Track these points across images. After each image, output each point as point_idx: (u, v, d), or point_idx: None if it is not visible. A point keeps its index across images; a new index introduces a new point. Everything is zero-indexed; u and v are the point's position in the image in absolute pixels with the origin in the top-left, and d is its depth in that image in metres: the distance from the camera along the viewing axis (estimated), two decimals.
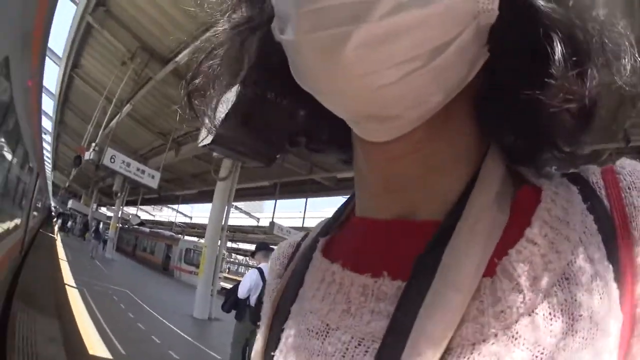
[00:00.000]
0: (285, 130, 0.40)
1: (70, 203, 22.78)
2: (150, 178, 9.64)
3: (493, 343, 0.24)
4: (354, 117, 0.28)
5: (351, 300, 0.30)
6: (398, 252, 0.30)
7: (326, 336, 0.30)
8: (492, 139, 0.32)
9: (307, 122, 0.39)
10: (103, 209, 30.25)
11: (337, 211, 0.40)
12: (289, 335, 0.33)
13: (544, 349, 0.24)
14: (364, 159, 0.34)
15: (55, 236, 18.53)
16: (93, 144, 8.84)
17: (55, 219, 28.67)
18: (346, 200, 0.40)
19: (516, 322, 0.24)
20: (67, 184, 27.63)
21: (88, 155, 8.50)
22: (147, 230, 23.27)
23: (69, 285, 7.41)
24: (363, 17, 0.22)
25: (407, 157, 0.31)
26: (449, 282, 0.25)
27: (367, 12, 0.22)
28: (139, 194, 18.13)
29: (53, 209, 34.81)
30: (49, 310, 5.45)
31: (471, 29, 0.25)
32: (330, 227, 0.38)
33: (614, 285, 0.26)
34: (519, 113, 0.29)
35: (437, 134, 0.30)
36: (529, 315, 0.25)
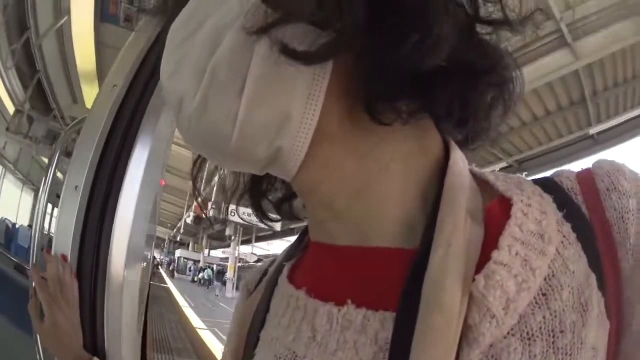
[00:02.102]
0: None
1: (178, 252, 24.85)
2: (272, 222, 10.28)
3: None
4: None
5: (316, 328, 0.29)
6: (360, 280, 0.29)
7: None
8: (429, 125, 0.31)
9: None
10: (214, 252, 32.25)
11: (300, 234, 0.39)
12: None
13: None
14: (296, 190, 0.34)
15: (166, 284, 20.15)
16: (210, 203, 9.69)
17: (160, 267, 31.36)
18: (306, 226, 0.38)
19: (491, 346, 0.24)
20: (171, 235, 30.34)
21: (208, 213, 9.26)
22: None
23: (199, 328, 8.10)
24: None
25: (323, 185, 0.29)
26: (435, 312, 0.23)
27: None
28: (251, 233, 19.29)
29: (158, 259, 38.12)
30: (188, 352, 6.03)
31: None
32: (294, 251, 0.38)
33: (598, 293, 0.25)
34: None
35: (346, 151, 0.28)
36: (505, 338, 0.24)
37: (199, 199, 0.47)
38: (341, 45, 0.25)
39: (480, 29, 0.28)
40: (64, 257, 0.74)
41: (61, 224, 0.74)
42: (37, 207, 0.81)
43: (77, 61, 3.10)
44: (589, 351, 0.24)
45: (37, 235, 0.81)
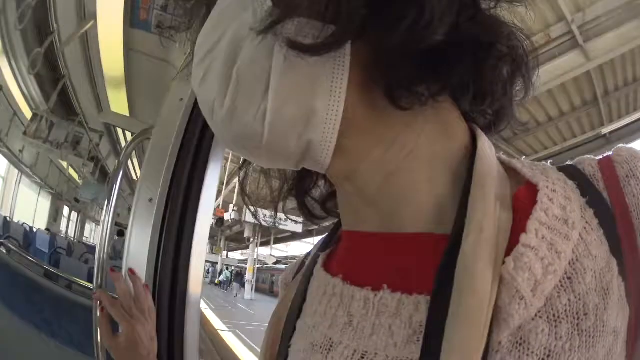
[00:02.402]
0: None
1: None
2: (294, 224, 10.39)
3: (497, 351, 0.24)
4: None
5: (353, 313, 0.30)
6: (394, 265, 0.30)
7: (329, 350, 0.30)
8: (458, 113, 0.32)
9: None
10: (232, 254, 32.32)
11: (334, 226, 0.40)
12: (295, 351, 0.34)
13: (550, 352, 0.24)
14: (332, 181, 0.35)
15: None
16: (231, 205, 9.79)
17: None
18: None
19: (519, 328, 0.24)
20: None
21: (229, 215, 9.39)
22: (283, 267, 24.63)
23: (220, 330, 8.17)
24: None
25: (354, 174, 0.30)
26: (468, 296, 0.24)
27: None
28: (270, 235, 19.38)
29: None
30: (212, 354, 6.07)
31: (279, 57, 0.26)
32: (329, 241, 0.39)
33: (619, 279, 0.26)
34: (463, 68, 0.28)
35: (373, 139, 0.29)
36: (533, 320, 0.24)
37: (249, 205, 0.41)
38: (343, 35, 0.26)
39: (485, 4, 0.29)
40: (132, 272, 0.74)
41: (134, 238, 0.73)
42: (102, 231, 0.78)
43: (104, 67, 3.12)
44: (610, 334, 0.25)
45: (103, 257, 0.79)
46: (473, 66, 0.28)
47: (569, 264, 0.25)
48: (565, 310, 0.24)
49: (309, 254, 0.42)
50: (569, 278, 0.25)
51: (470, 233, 0.25)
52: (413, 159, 0.29)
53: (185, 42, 0.39)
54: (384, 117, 0.29)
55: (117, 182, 0.83)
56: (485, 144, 0.30)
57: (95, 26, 2.72)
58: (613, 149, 0.29)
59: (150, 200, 0.72)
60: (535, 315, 0.24)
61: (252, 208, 0.42)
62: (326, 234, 0.40)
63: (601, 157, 0.30)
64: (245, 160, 0.40)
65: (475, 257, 0.24)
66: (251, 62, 0.27)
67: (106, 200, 0.79)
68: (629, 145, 0.29)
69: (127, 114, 2.94)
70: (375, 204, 0.31)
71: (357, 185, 0.31)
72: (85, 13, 2.61)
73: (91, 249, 2.64)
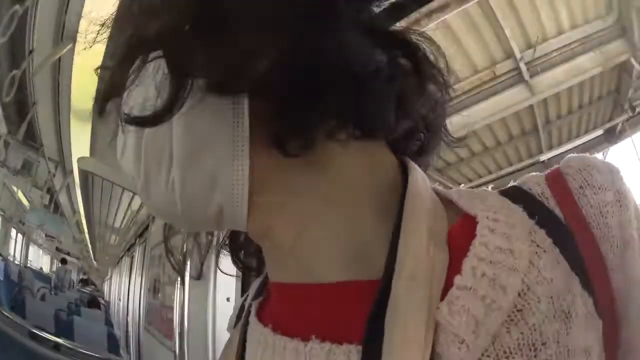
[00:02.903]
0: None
1: None
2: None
3: None
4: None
5: None
6: (320, 315, 0.29)
7: None
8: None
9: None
10: None
11: (266, 273, 0.38)
12: None
13: None
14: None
15: None
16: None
17: None
18: None
19: None
20: None
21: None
22: None
23: None
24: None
25: (270, 231, 0.29)
26: (399, 348, 0.23)
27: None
28: None
29: None
30: None
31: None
32: (262, 289, 0.38)
33: (584, 295, 0.24)
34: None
35: (283, 193, 0.28)
36: None
37: (172, 261, 0.42)
38: (174, 98, 0.25)
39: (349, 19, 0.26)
40: None
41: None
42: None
43: (72, 97, 3.04)
44: (580, 355, 0.24)
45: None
46: (358, 93, 0.26)
47: (519, 295, 0.24)
48: (518, 345, 0.23)
49: (247, 297, 0.40)
50: (519, 310, 0.23)
51: (401, 280, 0.24)
52: (332, 204, 0.28)
53: None
54: (293, 167, 0.28)
55: None
56: (417, 176, 0.29)
57: (72, 50, 2.65)
58: (561, 161, 0.28)
59: (228, 299, 0.79)
60: (482, 355, 0.23)
61: (176, 266, 0.41)
62: (259, 278, 0.39)
63: (547, 172, 0.28)
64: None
65: (406, 306, 0.23)
66: (154, 132, 0.27)
67: None
68: (578, 155, 0.28)
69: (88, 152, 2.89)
70: (292, 257, 0.30)
71: (274, 242, 0.30)
72: (63, 36, 2.53)
73: (38, 275, 2.64)
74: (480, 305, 0.23)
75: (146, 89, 0.26)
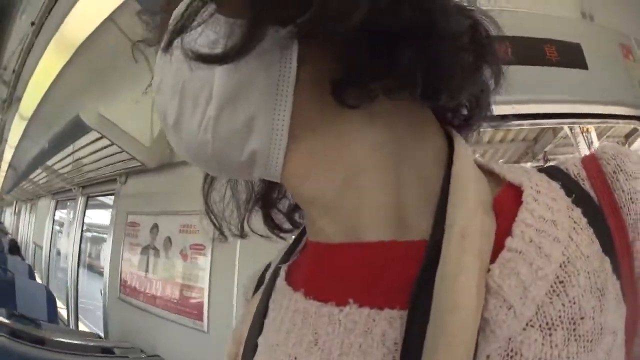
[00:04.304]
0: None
1: None
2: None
3: None
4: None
5: (318, 332, 0.28)
6: (359, 277, 0.28)
7: None
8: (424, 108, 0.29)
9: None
10: None
11: (297, 236, 0.38)
12: None
13: None
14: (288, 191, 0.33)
15: None
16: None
17: None
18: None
19: (509, 339, 0.23)
20: None
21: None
22: None
23: None
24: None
25: (310, 180, 0.28)
26: (451, 311, 0.22)
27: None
28: None
29: None
30: None
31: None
32: (291, 252, 0.36)
33: (613, 278, 0.25)
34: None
35: (329, 141, 0.27)
36: (524, 330, 0.23)
37: (213, 219, 0.40)
38: (248, 41, 0.24)
39: None
40: None
41: None
42: None
43: None
44: (609, 335, 0.24)
45: None
46: (427, 57, 0.25)
47: (560, 266, 0.24)
48: (560, 316, 0.23)
49: (269, 265, 0.39)
50: (560, 282, 0.23)
51: (452, 241, 0.24)
52: (375, 159, 0.27)
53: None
54: (340, 118, 0.27)
55: None
56: (462, 145, 0.29)
57: None
58: (596, 148, 0.29)
59: None
60: (527, 325, 0.23)
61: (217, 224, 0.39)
62: (287, 244, 0.38)
63: (584, 156, 0.29)
64: (207, 175, 0.39)
65: (458, 267, 0.23)
66: (195, 71, 0.26)
67: None
68: (612, 143, 0.33)
69: None
70: (332, 212, 0.29)
71: (313, 194, 0.29)
72: None
73: None
74: (529, 270, 0.23)
75: (216, 28, 0.25)
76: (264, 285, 0.36)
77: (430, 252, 0.24)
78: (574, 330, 0.23)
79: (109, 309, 2.31)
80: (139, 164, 2.07)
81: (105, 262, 2.43)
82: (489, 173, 0.29)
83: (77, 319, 2.83)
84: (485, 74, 0.30)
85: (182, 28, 0.25)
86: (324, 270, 0.30)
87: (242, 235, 0.39)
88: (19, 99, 2.93)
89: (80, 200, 2.87)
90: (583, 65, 1.52)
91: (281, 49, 0.25)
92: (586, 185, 0.27)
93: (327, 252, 0.30)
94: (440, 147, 0.29)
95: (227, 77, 0.25)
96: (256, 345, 0.32)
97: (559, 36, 1.54)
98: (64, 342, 1.92)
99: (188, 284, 1.91)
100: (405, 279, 0.25)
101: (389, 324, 0.25)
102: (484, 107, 0.32)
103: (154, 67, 0.30)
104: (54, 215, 3.36)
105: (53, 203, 3.37)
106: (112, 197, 2.59)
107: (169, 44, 0.26)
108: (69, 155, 2.44)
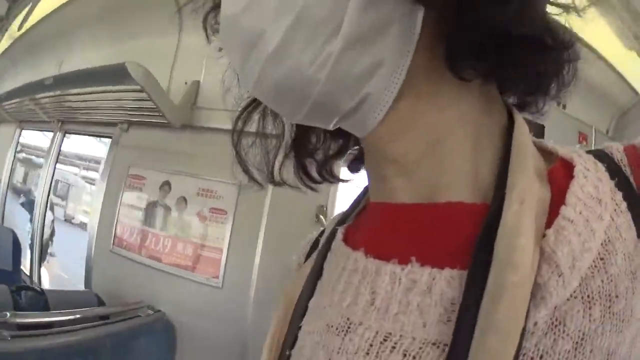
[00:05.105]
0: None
1: None
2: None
3: (532, 333, 0.23)
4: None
5: (376, 290, 0.28)
6: (424, 237, 0.28)
7: (347, 332, 0.28)
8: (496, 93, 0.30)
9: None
10: None
11: (355, 199, 0.38)
12: (306, 332, 0.31)
13: (584, 335, 0.23)
14: (365, 145, 0.32)
15: None
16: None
17: None
18: (364, 189, 0.37)
19: (555, 308, 0.23)
20: None
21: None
22: None
23: None
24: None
25: (400, 139, 0.28)
26: (509, 272, 0.22)
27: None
28: None
29: None
30: None
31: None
32: (348, 215, 0.37)
33: None
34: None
35: (428, 103, 0.28)
36: (568, 300, 0.23)
37: (245, 166, 0.38)
38: None
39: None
40: None
41: None
42: None
43: None
44: (636, 322, 0.24)
45: None
46: (532, 61, 0.27)
47: (602, 244, 0.24)
48: (599, 292, 0.23)
49: (323, 231, 0.39)
50: (601, 259, 0.24)
51: (512, 204, 0.24)
52: (461, 126, 0.28)
53: None
54: (440, 83, 0.27)
55: None
56: (521, 120, 0.29)
57: None
58: (638, 139, 0.29)
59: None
60: (571, 296, 0.23)
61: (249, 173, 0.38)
62: (343, 210, 0.38)
63: (625, 144, 0.29)
64: (239, 118, 0.37)
65: (517, 229, 0.23)
66: None
67: None
68: None
69: None
70: (411, 173, 0.29)
71: (398, 152, 0.29)
72: None
73: None
74: (578, 241, 0.24)
75: None
76: (319, 248, 0.36)
77: (492, 214, 0.25)
78: (610, 307, 0.23)
79: (95, 262, 2.23)
80: (164, 120, 2.05)
81: (92, 212, 2.32)
82: (542, 149, 0.30)
83: (40, 267, 2.61)
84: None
85: None
86: (389, 230, 0.30)
87: (274, 182, 0.39)
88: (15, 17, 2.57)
89: (58, 136, 2.61)
90: None
91: (412, 2, 0.24)
92: (627, 172, 0.27)
93: (394, 211, 0.30)
94: (504, 123, 0.30)
95: (361, 14, 0.24)
96: (307, 308, 0.32)
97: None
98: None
99: (203, 243, 1.99)
100: (468, 239, 0.25)
101: (447, 283, 0.25)
102: (542, 91, 0.32)
103: None
104: (17, 146, 2.98)
105: (18, 132, 2.97)
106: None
107: None
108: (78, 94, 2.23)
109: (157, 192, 2.13)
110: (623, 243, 0.25)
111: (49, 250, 2.74)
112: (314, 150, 0.38)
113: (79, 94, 2.23)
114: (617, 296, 0.24)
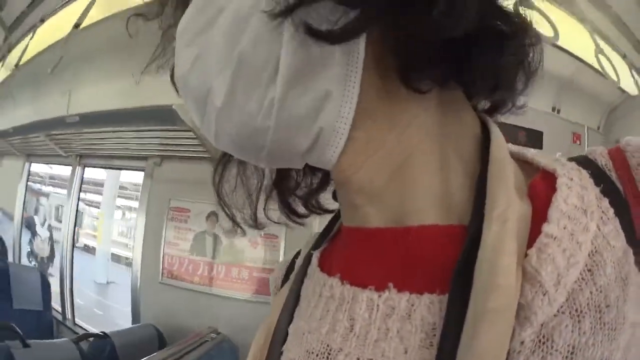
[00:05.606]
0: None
1: None
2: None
3: (519, 352, 0.22)
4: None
5: (354, 317, 0.27)
6: (399, 262, 0.27)
7: (327, 359, 0.28)
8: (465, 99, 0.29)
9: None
10: None
11: (329, 222, 0.37)
12: (287, 359, 0.31)
13: (573, 349, 0.22)
14: (333, 177, 0.31)
15: None
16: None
17: None
18: (337, 212, 0.37)
19: (542, 325, 0.23)
20: None
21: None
22: None
23: None
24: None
25: (363, 167, 0.28)
26: (491, 295, 0.22)
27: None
28: None
29: None
30: None
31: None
32: (322, 239, 0.36)
33: (635, 269, 0.25)
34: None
35: (387, 126, 0.27)
36: (555, 316, 0.23)
37: (225, 208, 0.37)
38: (367, 21, 0.23)
39: None
40: None
41: None
42: None
43: None
44: (629, 328, 0.23)
45: None
46: (490, 56, 0.26)
47: (589, 255, 0.24)
48: (588, 304, 0.23)
49: (298, 253, 0.39)
50: (589, 270, 0.23)
51: (493, 224, 0.23)
52: (427, 144, 0.28)
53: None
54: (397, 101, 0.27)
55: None
56: (497, 131, 0.28)
57: None
58: (622, 141, 0.29)
59: None
60: (558, 311, 0.23)
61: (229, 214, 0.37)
62: (317, 232, 0.37)
63: (610, 148, 0.28)
64: (220, 161, 0.37)
65: (499, 250, 0.22)
66: (257, 43, 0.24)
67: None
68: (636, 137, 0.29)
69: None
70: (380, 200, 0.29)
71: (363, 181, 0.28)
72: None
73: None
74: (562, 258, 0.23)
75: (328, 4, 0.23)
76: (294, 273, 0.36)
77: (471, 235, 0.24)
78: (600, 318, 0.23)
79: (142, 294, 2.29)
80: (206, 153, 2.13)
81: (135, 247, 2.35)
82: (521, 160, 0.29)
83: (72, 307, 2.57)
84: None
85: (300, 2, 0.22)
86: (363, 255, 0.30)
87: (257, 225, 0.39)
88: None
89: (78, 171, 2.54)
90: (540, 148, 1.96)
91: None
92: (613, 176, 0.27)
93: (368, 237, 0.30)
94: (477, 134, 0.29)
95: (296, 51, 0.23)
96: (286, 335, 0.32)
97: (530, 124, 2.04)
98: None
99: (257, 265, 2.14)
100: (446, 263, 0.25)
101: (427, 308, 0.25)
102: (512, 96, 0.31)
103: (180, 44, 0.28)
104: (27, 180, 2.81)
105: (27, 166, 2.80)
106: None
107: (289, 12, 0.22)
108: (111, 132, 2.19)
109: (204, 222, 2.23)
110: (611, 251, 0.24)
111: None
112: (296, 187, 0.38)
113: (108, 131, 2.22)
114: (607, 306, 0.23)
